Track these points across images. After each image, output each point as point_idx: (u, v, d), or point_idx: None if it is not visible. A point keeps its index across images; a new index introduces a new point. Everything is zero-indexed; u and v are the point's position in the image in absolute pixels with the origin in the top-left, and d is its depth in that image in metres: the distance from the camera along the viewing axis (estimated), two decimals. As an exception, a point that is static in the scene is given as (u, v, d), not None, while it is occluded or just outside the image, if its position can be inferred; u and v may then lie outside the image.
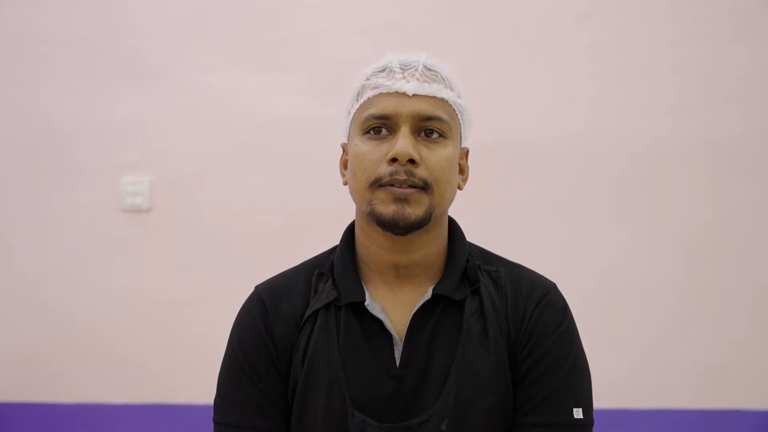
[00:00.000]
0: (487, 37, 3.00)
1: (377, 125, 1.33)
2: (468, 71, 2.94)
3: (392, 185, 1.30)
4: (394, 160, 1.29)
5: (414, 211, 1.30)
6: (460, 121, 1.39)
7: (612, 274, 2.96)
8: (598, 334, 2.92)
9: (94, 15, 3.05)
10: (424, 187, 1.30)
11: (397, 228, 1.30)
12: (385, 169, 1.30)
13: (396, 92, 1.32)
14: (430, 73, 1.35)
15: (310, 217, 2.93)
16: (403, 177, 1.29)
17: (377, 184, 1.31)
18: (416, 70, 1.34)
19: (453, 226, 1.44)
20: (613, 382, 2.88)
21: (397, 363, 1.33)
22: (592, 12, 2.99)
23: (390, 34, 2.96)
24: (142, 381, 3.01)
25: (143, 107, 3.03)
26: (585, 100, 2.99)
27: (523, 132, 2.97)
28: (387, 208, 1.30)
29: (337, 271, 1.39)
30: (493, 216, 2.95)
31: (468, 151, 1.45)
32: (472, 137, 3.09)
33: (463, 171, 1.43)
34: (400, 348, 1.34)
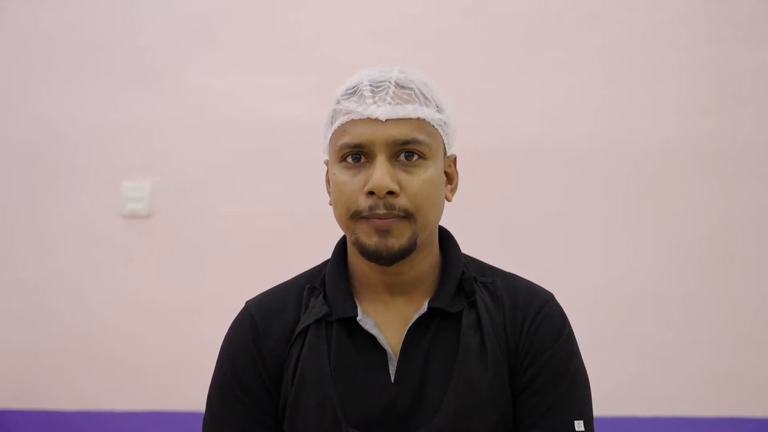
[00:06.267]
0: (493, 39, 2.98)
1: (353, 153, 1.29)
2: (475, 74, 2.95)
3: (372, 218, 1.26)
4: (372, 192, 1.26)
5: (398, 242, 1.27)
6: (442, 135, 1.33)
7: (620, 279, 2.93)
8: (605, 340, 2.91)
9: (96, 17, 3.04)
10: (406, 215, 1.27)
11: (381, 259, 1.28)
12: (364, 203, 1.26)
13: (368, 118, 1.27)
14: (403, 92, 1.29)
15: (315, 222, 2.88)
16: (382, 211, 1.26)
17: (358, 216, 1.28)
18: (387, 92, 1.28)
19: (446, 237, 1.41)
20: (620, 389, 2.86)
21: (392, 379, 1.31)
22: (600, 14, 2.96)
23: (397, 36, 2.95)
24: (142, 387, 2.99)
25: (146, 110, 3.01)
26: (593, 103, 2.97)
27: (530, 135, 2.95)
28: (370, 240, 1.27)
29: (328, 285, 1.36)
30: (498, 220, 2.93)
31: (455, 159, 1.40)
32: (475, 141, 3.08)
33: (451, 180, 1.39)
34: (395, 364, 1.31)
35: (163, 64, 3.02)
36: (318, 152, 3.03)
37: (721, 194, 2.94)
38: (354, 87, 1.31)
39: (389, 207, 1.26)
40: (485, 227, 2.91)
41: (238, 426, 1.34)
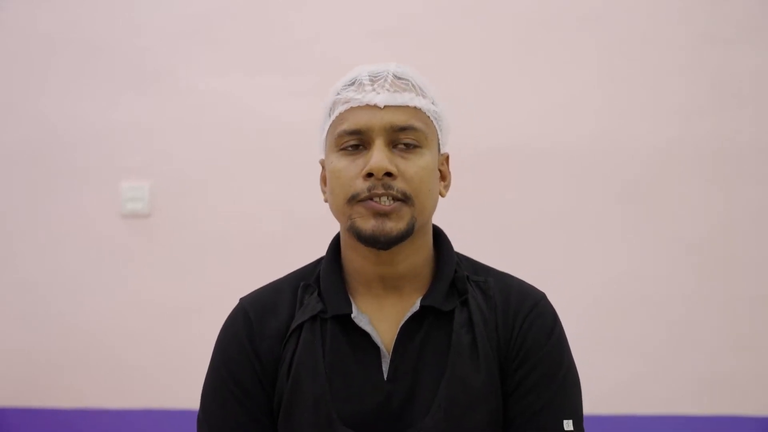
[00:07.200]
0: (493, 39, 2.98)
1: (352, 140, 1.31)
2: (475, 74, 2.95)
3: (371, 199, 1.28)
4: (370, 174, 1.27)
5: (396, 225, 1.28)
6: (437, 127, 1.36)
7: (620, 280, 2.93)
8: (605, 340, 2.91)
9: (96, 17, 3.04)
10: (404, 199, 1.28)
11: (378, 243, 1.29)
12: (362, 185, 1.28)
13: (367, 105, 1.30)
14: (400, 82, 1.33)
15: (315, 222, 2.89)
16: (381, 191, 1.27)
17: (355, 200, 1.29)
18: (386, 80, 1.32)
19: (439, 236, 1.42)
20: (620, 388, 2.86)
21: (385, 376, 1.31)
22: (600, 14, 2.96)
23: (398, 36, 2.95)
24: (142, 387, 2.99)
25: (146, 110, 3.02)
26: (593, 103, 2.96)
27: (530, 135, 2.95)
28: (366, 224, 1.28)
29: (323, 282, 1.37)
30: (498, 220, 2.93)
31: (448, 157, 1.42)
32: (474, 141, 3.09)
33: (444, 177, 1.40)
34: (388, 361, 1.32)
35: (163, 65, 3.02)
36: (319, 153, 3.04)
37: (721, 195, 2.93)
38: (353, 79, 1.34)
39: (387, 188, 1.27)
40: (485, 227, 2.92)
41: (233, 423, 1.34)
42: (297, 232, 2.94)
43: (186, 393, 2.91)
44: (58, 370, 3.01)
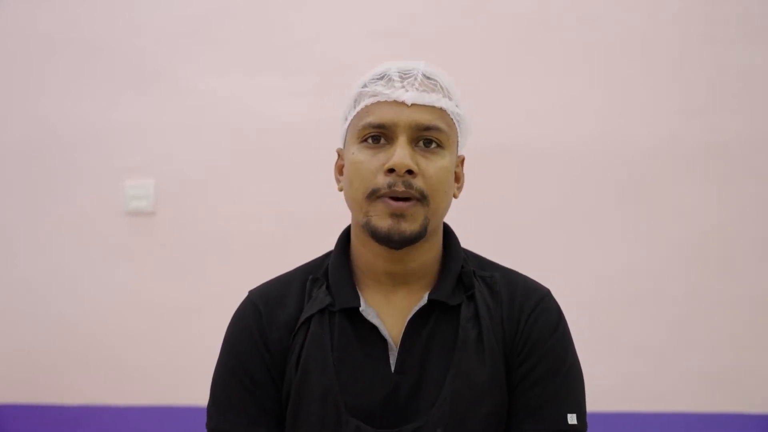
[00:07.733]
0: (493, 39, 2.99)
1: (375, 134, 1.32)
2: (474, 73, 2.95)
3: (389, 196, 1.29)
4: (391, 170, 1.29)
5: (410, 227, 1.29)
6: (458, 130, 1.37)
7: (618, 278, 2.94)
8: (604, 337, 2.92)
9: (96, 17, 3.05)
10: (421, 198, 1.29)
11: (392, 242, 1.30)
12: (382, 180, 1.29)
13: (394, 101, 1.31)
14: (429, 81, 1.34)
15: (317, 222, 2.90)
16: (401, 188, 1.28)
17: (375, 195, 1.30)
18: (415, 78, 1.33)
19: (447, 232, 1.44)
20: (618, 386, 2.87)
21: (392, 369, 1.33)
22: (600, 14, 2.97)
23: (398, 36, 2.95)
24: (142, 386, 2.99)
25: (147, 110, 3.02)
26: (593, 103, 2.97)
27: (529, 135, 2.96)
28: (383, 222, 1.29)
29: (331, 276, 1.38)
30: (495, 221, 2.94)
31: (464, 159, 1.44)
32: (474, 141, 3.08)
33: (458, 179, 1.42)
34: (395, 354, 1.33)
35: (163, 65, 3.02)
36: (318, 152, 3.03)
37: (720, 194, 2.94)
38: (382, 73, 1.35)
39: (408, 186, 1.28)
40: (485, 227, 2.92)
41: (243, 413, 1.35)
42: (297, 232, 2.94)
43: (186, 391, 2.93)
44: (59, 370, 3.01)
